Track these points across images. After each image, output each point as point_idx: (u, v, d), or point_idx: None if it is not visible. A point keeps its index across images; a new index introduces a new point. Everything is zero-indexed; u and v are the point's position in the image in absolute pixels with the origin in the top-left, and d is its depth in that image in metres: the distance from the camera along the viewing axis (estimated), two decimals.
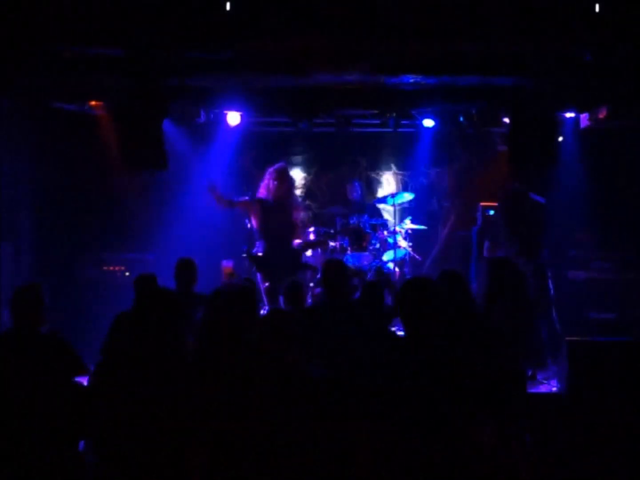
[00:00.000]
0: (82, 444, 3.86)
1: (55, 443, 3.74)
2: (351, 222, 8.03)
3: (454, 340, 3.39)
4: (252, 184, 8.77)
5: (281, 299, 5.24)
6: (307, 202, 8.29)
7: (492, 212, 7.92)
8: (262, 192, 7.23)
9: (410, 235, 8.33)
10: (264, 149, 8.66)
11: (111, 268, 7.76)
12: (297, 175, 9.17)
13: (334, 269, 4.73)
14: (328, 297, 4.68)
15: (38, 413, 3.76)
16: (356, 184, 8.61)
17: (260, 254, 7.08)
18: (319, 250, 8.05)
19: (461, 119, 7.74)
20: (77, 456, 3.77)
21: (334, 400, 3.31)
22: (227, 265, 6.31)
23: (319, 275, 7.80)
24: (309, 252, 8.00)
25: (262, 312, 5.49)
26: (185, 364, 3.55)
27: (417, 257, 8.50)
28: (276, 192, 7.12)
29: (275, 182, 7.14)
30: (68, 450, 3.74)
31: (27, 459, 3.72)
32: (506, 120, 7.45)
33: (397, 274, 8.07)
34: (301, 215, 7.52)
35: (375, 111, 7.85)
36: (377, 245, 8.12)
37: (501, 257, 5.65)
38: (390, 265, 8.05)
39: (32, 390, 3.81)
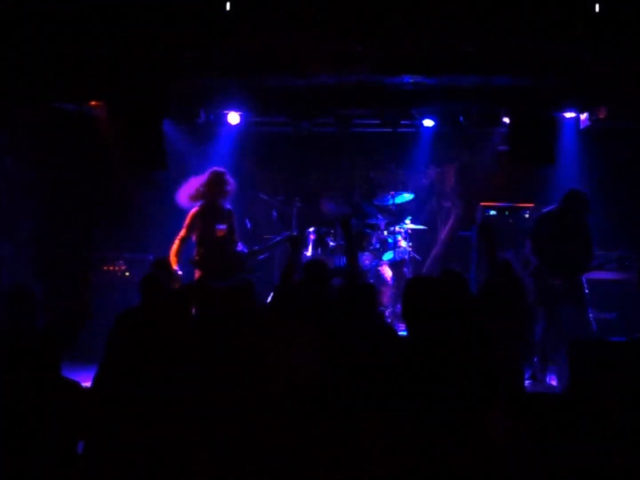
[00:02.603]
0: (80, 445, 3.86)
1: (52, 444, 3.73)
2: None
3: (455, 337, 3.40)
4: (252, 184, 8.79)
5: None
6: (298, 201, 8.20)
7: (492, 212, 7.93)
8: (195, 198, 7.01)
9: (410, 235, 8.32)
10: (264, 149, 8.65)
11: (111, 268, 7.75)
12: (297, 175, 9.18)
13: (314, 270, 4.72)
14: (308, 298, 4.68)
15: (33, 414, 3.76)
16: (329, 200, 8.54)
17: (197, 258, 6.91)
18: (319, 250, 8.05)
19: (461, 119, 7.73)
20: (75, 458, 3.77)
21: (341, 398, 3.31)
22: (220, 228, 6.29)
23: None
24: (308, 252, 7.99)
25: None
26: (189, 361, 3.55)
27: (417, 257, 8.50)
28: (213, 197, 6.91)
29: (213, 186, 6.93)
30: (66, 452, 3.74)
31: (24, 461, 3.71)
32: (506, 120, 7.44)
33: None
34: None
35: (375, 111, 7.83)
36: (377, 245, 8.12)
37: (502, 257, 5.64)
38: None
39: (26, 391, 3.80)
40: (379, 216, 8.30)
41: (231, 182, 7.03)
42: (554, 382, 6.34)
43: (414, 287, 3.49)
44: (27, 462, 3.69)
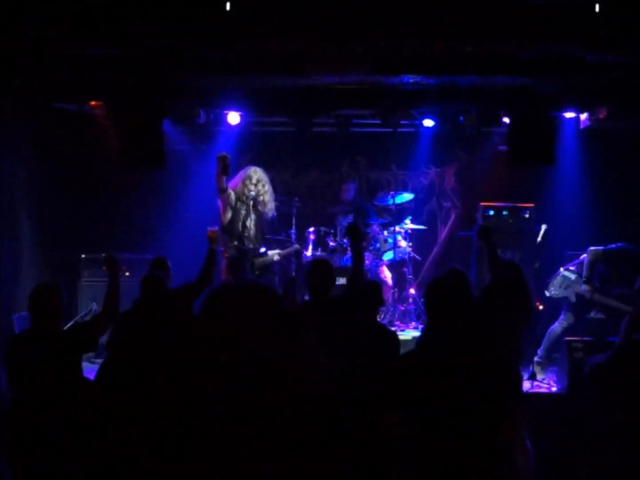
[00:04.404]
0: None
1: (71, 439, 3.75)
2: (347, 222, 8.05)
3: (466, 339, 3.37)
4: None
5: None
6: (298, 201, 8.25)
7: (491, 212, 7.93)
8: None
9: (410, 235, 8.32)
10: (264, 149, 8.65)
11: None
12: (298, 175, 9.18)
13: (320, 268, 4.72)
14: (312, 297, 4.67)
15: (57, 410, 3.78)
16: (351, 185, 8.59)
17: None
18: (319, 250, 8.05)
19: (461, 119, 7.74)
20: (87, 452, 3.78)
21: (350, 400, 3.30)
22: (212, 229, 6.36)
23: None
24: (308, 252, 7.99)
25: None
26: (190, 362, 3.54)
27: (417, 257, 8.50)
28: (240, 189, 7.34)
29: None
30: (81, 446, 3.75)
31: (48, 454, 3.74)
32: (506, 120, 7.44)
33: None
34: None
35: (375, 111, 7.83)
36: (377, 245, 8.12)
37: (504, 258, 5.66)
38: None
39: (52, 388, 3.82)
40: (377, 219, 8.31)
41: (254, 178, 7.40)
42: (553, 382, 6.35)
43: (437, 288, 3.45)
44: (48, 458, 3.72)
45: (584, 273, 6.69)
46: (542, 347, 6.72)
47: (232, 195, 7.29)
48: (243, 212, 7.26)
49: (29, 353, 3.92)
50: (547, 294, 7.01)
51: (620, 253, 6.70)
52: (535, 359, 6.57)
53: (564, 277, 6.88)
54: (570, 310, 6.76)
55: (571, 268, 6.97)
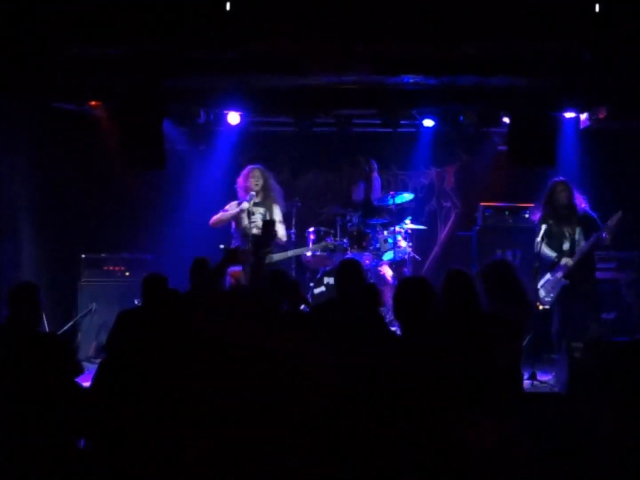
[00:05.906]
0: (82, 442, 3.87)
1: (52, 440, 3.74)
2: (350, 223, 8.05)
3: (454, 337, 3.38)
4: None
5: None
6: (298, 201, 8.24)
7: (491, 212, 7.93)
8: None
9: (410, 235, 8.32)
10: (264, 149, 8.65)
11: (111, 268, 7.75)
12: (298, 175, 9.19)
13: (349, 268, 4.74)
14: (340, 296, 4.69)
15: (34, 411, 3.77)
16: (361, 184, 8.60)
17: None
18: (319, 250, 8.04)
19: (461, 119, 7.74)
20: (75, 454, 3.78)
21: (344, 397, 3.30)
22: (235, 270, 6.29)
23: (318, 275, 7.81)
24: (308, 252, 7.98)
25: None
26: (192, 363, 3.54)
27: (417, 257, 8.50)
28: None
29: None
30: (65, 448, 3.74)
31: (24, 457, 3.72)
32: (506, 120, 7.44)
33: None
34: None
35: (375, 111, 7.83)
36: (377, 245, 8.11)
37: (501, 259, 5.65)
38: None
39: (27, 388, 3.81)
40: (378, 218, 8.32)
41: (252, 176, 7.48)
42: (553, 383, 6.35)
43: (405, 287, 3.49)
44: (29, 458, 3.70)
45: (551, 258, 6.66)
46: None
47: (234, 205, 7.38)
48: (247, 210, 7.30)
49: (3, 351, 3.91)
50: (548, 306, 6.97)
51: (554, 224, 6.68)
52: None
53: (544, 284, 6.82)
54: (558, 308, 6.75)
55: (547, 275, 6.90)
